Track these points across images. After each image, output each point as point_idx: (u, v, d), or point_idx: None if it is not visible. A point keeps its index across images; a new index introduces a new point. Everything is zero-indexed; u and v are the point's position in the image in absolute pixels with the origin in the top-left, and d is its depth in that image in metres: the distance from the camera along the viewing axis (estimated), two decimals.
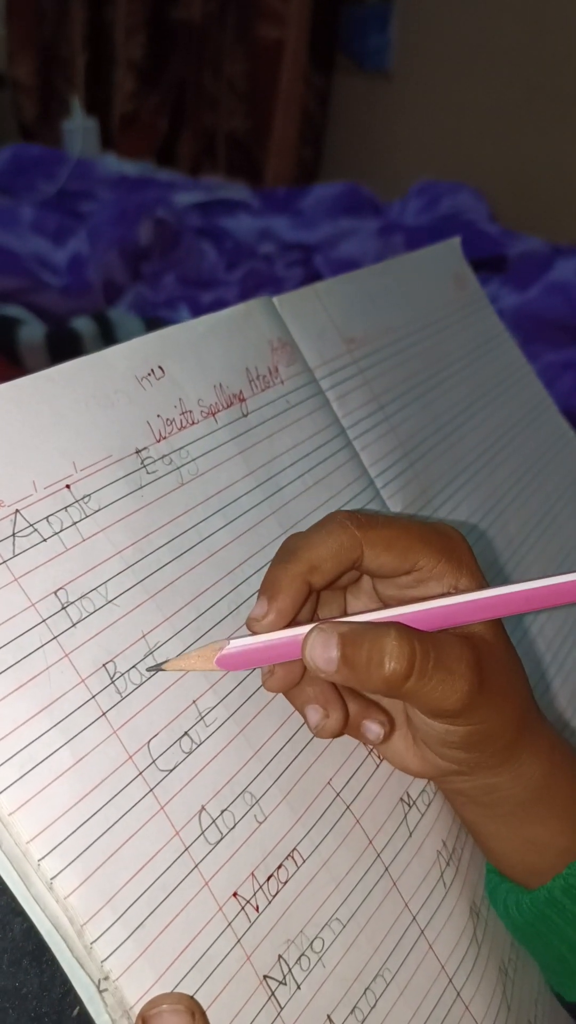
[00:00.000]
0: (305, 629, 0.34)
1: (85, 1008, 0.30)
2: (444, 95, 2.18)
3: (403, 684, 0.33)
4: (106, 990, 0.29)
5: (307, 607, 0.36)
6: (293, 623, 0.35)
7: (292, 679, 0.36)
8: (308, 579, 0.35)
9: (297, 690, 0.36)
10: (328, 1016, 0.34)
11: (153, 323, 1.37)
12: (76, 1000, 0.33)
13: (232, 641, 0.34)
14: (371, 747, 0.40)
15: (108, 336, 1.32)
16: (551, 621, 0.57)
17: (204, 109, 2.44)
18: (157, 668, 0.33)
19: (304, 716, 0.36)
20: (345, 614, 0.39)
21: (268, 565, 0.38)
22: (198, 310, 1.50)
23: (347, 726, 0.37)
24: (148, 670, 0.33)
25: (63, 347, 1.29)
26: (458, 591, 0.36)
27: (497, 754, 0.37)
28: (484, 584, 0.37)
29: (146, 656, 0.33)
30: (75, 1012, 0.33)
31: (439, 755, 0.37)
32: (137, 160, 2.12)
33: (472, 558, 0.37)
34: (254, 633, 0.34)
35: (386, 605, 0.38)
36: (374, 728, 0.37)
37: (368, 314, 0.52)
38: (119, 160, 2.07)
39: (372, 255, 1.61)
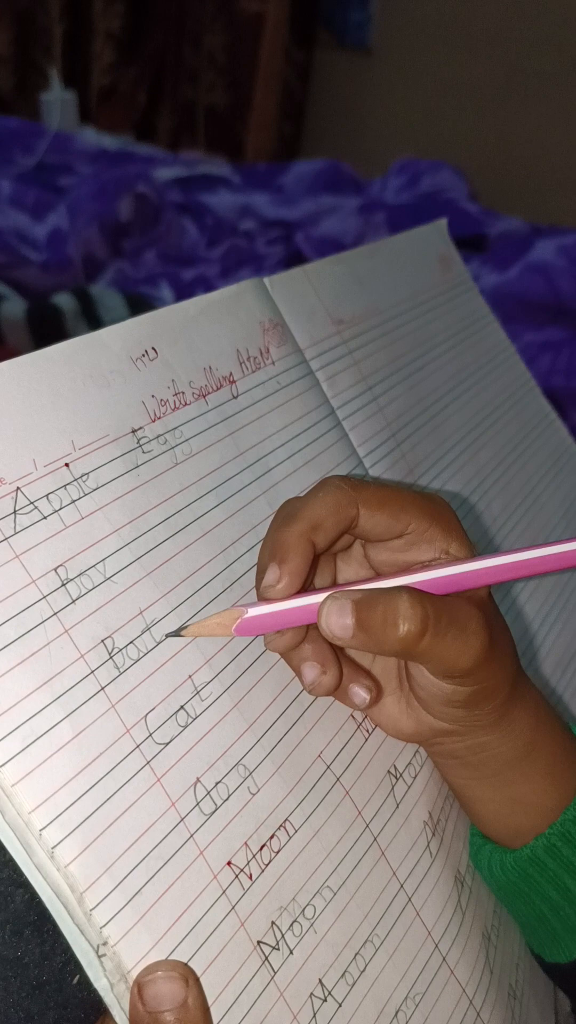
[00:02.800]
0: (319, 596, 0.34)
1: (85, 976, 0.31)
2: (425, 71, 2.17)
3: (418, 644, 0.34)
4: (104, 955, 0.30)
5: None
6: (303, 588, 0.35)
7: (297, 640, 0.36)
8: (312, 539, 0.35)
9: (295, 651, 0.37)
10: (320, 980, 0.35)
11: (134, 299, 1.37)
12: (76, 968, 0.34)
13: (251, 608, 0.34)
14: (359, 712, 0.41)
15: (89, 312, 1.32)
16: (536, 593, 0.58)
17: (184, 82, 2.42)
18: (175, 633, 0.34)
19: (300, 673, 0.37)
20: (335, 582, 0.40)
21: (261, 544, 0.39)
22: (179, 287, 1.50)
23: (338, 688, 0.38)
24: (167, 636, 0.34)
25: (44, 323, 1.29)
26: (449, 555, 0.37)
27: (493, 712, 0.38)
28: (473, 549, 0.38)
29: (143, 632, 0.33)
30: (75, 980, 0.34)
31: (438, 715, 0.38)
32: (116, 133, 2.10)
33: (459, 524, 0.38)
34: (268, 600, 0.35)
35: (377, 571, 0.39)
36: (360, 693, 0.38)
37: (357, 295, 0.52)
38: (98, 133, 2.06)
39: (353, 233, 1.61)
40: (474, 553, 0.38)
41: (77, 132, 2.13)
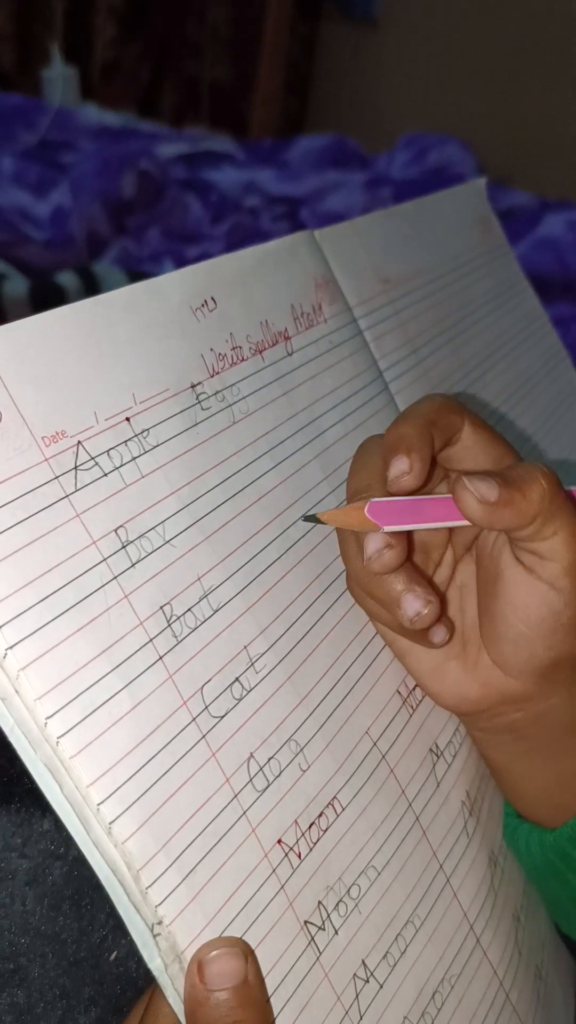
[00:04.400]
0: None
1: (122, 952, 0.30)
2: (431, 45, 2.14)
3: (554, 503, 0.33)
4: (159, 934, 0.28)
5: None
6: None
7: (401, 559, 0.35)
8: (431, 432, 0.35)
9: (391, 581, 0.35)
10: (363, 961, 0.34)
11: (138, 277, 1.33)
12: (114, 945, 0.33)
13: (383, 500, 0.34)
14: (417, 674, 0.39)
15: (93, 291, 1.29)
16: None
17: (187, 58, 2.38)
18: (312, 519, 0.34)
19: (401, 605, 0.35)
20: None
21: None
22: (183, 264, 1.47)
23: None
24: (305, 519, 0.35)
25: (47, 302, 1.26)
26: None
27: (567, 675, 0.37)
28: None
29: (201, 599, 0.32)
30: (112, 956, 0.33)
31: (517, 673, 0.37)
32: (118, 109, 2.06)
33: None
34: (398, 491, 0.34)
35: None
36: (441, 631, 0.36)
37: (402, 254, 0.51)
38: (100, 110, 2.01)
39: (359, 209, 1.58)
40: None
41: (79, 108, 2.09)
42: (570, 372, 0.70)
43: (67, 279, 1.33)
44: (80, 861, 0.32)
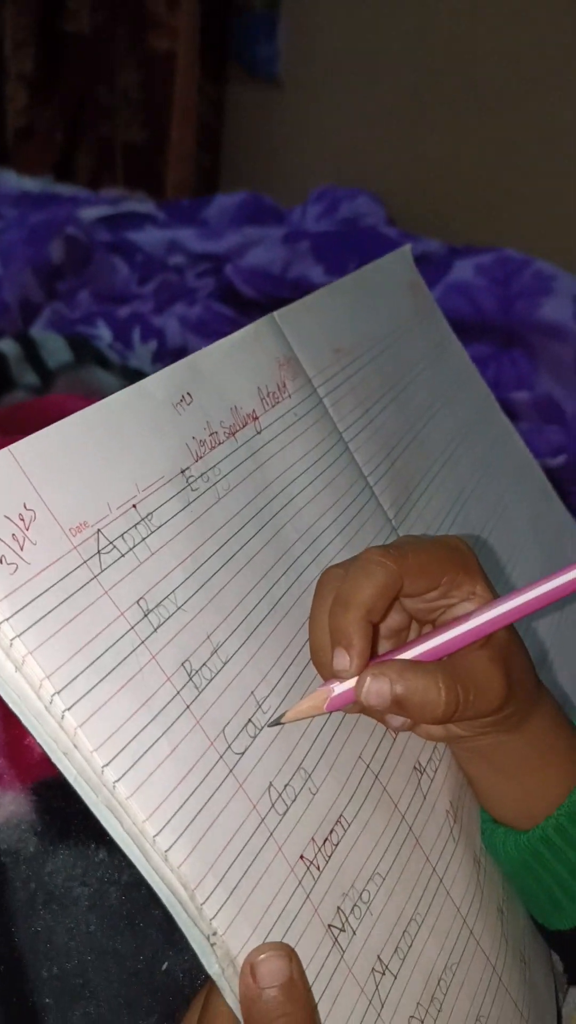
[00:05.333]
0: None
1: (172, 963, 0.35)
2: (334, 100, 2.24)
3: (448, 720, 0.40)
4: (215, 944, 0.33)
5: None
6: None
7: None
8: (369, 620, 0.39)
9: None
10: (378, 956, 0.39)
11: (74, 340, 1.38)
12: (164, 957, 0.37)
13: (335, 688, 0.39)
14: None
15: (33, 356, 1.33)
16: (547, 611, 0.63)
17: (100, 121, 2.45)
18: (277, 722, 0.38)
19: (387, 723, 0.43)
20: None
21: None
22: (115, 324, 1.52)
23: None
24: (269, 726, 0.38)
25: None
26: (476, 595, 0.42)
27: (514, 719, 0.43)
28: (493, 591, 0.43)
29: (212, 654, 0.37)
30: (163, 967, 0.38)
31: (464, 731, 0.44)
32: (35, 174, 2.11)
33: (479, 568, 0.43)
34: (342, 679, 0.39)
35: (412, 615, 0.44)
36: (397, 720, 0.42)
37: (349, 325, 0.57)
38: (18, 176, 2.07)
39: (280, 262, 1.65)
40: (495, 594, 0.43)
41: None
42: (500, 416, 0.76)
43: (6, 346, 1.35)
44: (132, 885, 0.36)
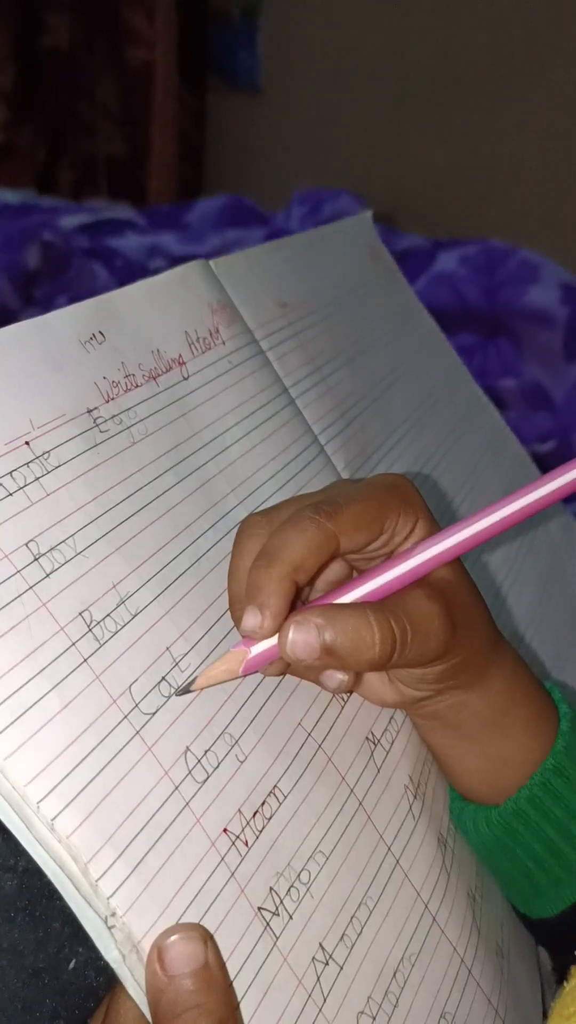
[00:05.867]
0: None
1: (81, 960, 0.31)
2: (315, 107, 2.23)
3: (386, 664, 0.35)
4: (114, 926, 0.29)
5: None
6: None
7: (288, 664, 0.37)
8: (294, 579, 0.34)
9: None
10: (320, 944, 0.35)
11: None
12: (72, 954, 0.33)
13: (252, 649, 0.34)
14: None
15: None
16: (499, 546, 0.59)
17: (81, 135, 2.44)
18: (185, 690, 0.34)
19: (321, 683, 0.38)
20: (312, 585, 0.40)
21: (223, 522, 0.39)
22: None
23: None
24: (175, 694, 0.34)
25: None
26: (415, 534, 0.38)
27: (470, 675, 0.39)
28: (436, 524, 0.39)
29: (119, 605, 0.33)
30: (71, 965, 0.33)
31: (415, 689, 0.39)
32: (17, 190, 2.10)
33: (422, 500, 0.39)
34: (252, 640, 0.35)
35: (353, 566, 0.40)
36: (336, 676, 0.38)
37: (296, 281, 0.53)
38: None
39: None
40: (436, 529, 0.39)
41: None
42: (471, 387, 0.73)
43: None
44: (31, 872, 0.32)
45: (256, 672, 0.36)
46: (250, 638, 0.34)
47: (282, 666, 0.37)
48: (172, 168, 2.38)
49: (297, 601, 0.36)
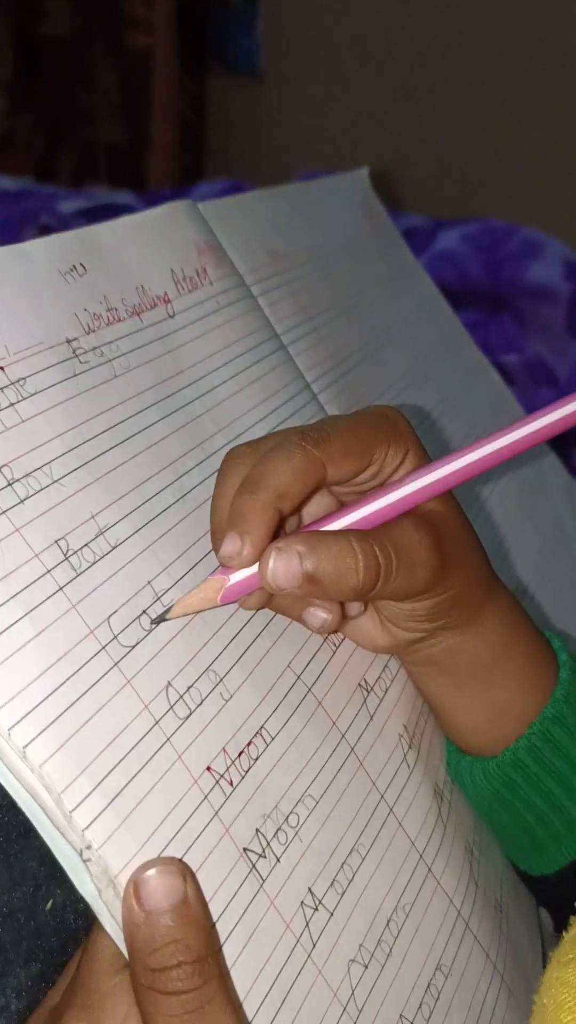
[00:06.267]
0: None
1: (58, 902, 0.30)
2: (317, 93, 2.21)
3: (370, 592, 0.33)
4: (89, 859, 0.28)
5: None
6: None
7: (268, 596, 0.36)
8: (278, 507, 0.33)
9: (279, 600, 0.36)
10: (309, 889, 0.34)
11: None
12: (48, 894, 0.32)
13: (232, 577, 0.33)
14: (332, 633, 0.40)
15: None
16: (505, 496, 0.58)
17: (81, 123, 2.42)
18: (161, 619, 0.32)
19: (304, 622, 0.36)
20: (300, 518, 0.39)
21: (211, 461, 0.38)
22: None
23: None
24: (152, 623, 0.32)
25: None
26: (405, 465, 0.37)
27: (463, 615, 0.37)
28: (427, 457, 0.38)
29: (97, 536, 0.32)
30: (48, 906, 0.32)
31: (406, 629, 0.38)
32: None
33: (413, 433, 0.38)
34: (231, 568, 0.33)
35: (339, 499, 0.38)
36: (319, 614, 0.36)
37: (287, 230, 0.52)
38: None
39: None
40: (427, 461, 0.37)
41: None
42: (471, 349, 0.72)
43: None
44: (3, 808, 0.31)
45: (234, 602, 0.34)
46: (229, 567, 0.33)
47: (262, 597, 0.35)
48: (172, 154, 2.37)
49: (280, 531, 0.34)
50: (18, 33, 2.41)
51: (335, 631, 0.38)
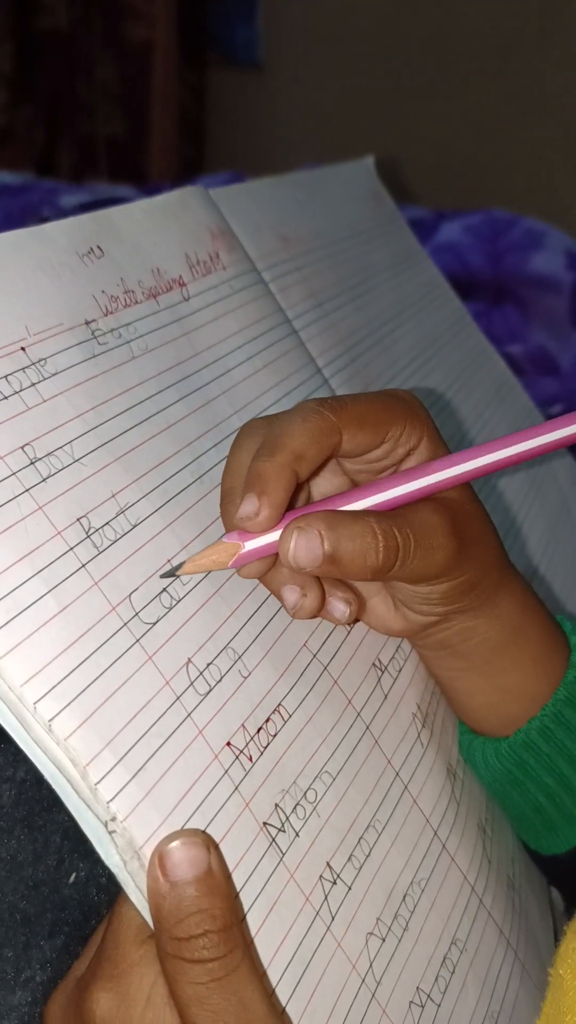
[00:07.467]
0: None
1: (81, 876, 0.30)
2: (317, 83, 2.21)
3: (388, 573, 0.34)
4: (114, 831, 0.28)
5: None
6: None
7: (268, 565, 0.35)
8: (295, 469, 0.33)
9: (272, 573, 0.36)
10: (328, 863, 0.35)
11: None
12: (72, 867, 0.32)
13: (246, 544, 0.33)
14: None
15: None
16: (514, 478, 0.58)
17: (81, 116, 2.42)
18: (172, 574, 0.33)
19: (281, 598, 0.36)
20: (309, 494, 0.39)
21: (227, 442, 0.38)
22: None
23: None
24: (162, 577, 0.33)
25: None
26: (421, 450, 0.37)
27: (476, 598, 0.38)
28: (443, 444, 0.38)
29: (118, 514, 0.33)
30: (71, 879, 0.33)
31: (421, 612, 0.38)
32: (16, 172, 2.08)
33: (429, 417, 0.38)
34: (243, 531, 0.33)
35: (352, 479, 0.39)
36: (340, 606, 0.37)
37: (297, 217, 0.53)
38: None
39: None
40: (446, 451, 0.38)
41: None
42: (477, 334, 0.72)
43: None
44: (29, 782, 0.32)
45: (243, 569, 0.34)
46: (243, 530, 0.33)
47: (261, 568, 0.35)
48: (173, 147, 2.36)
49: (296, 500, 0.35)
50: (17, 25, 2.41)
51: (356, 620, 0.39)
